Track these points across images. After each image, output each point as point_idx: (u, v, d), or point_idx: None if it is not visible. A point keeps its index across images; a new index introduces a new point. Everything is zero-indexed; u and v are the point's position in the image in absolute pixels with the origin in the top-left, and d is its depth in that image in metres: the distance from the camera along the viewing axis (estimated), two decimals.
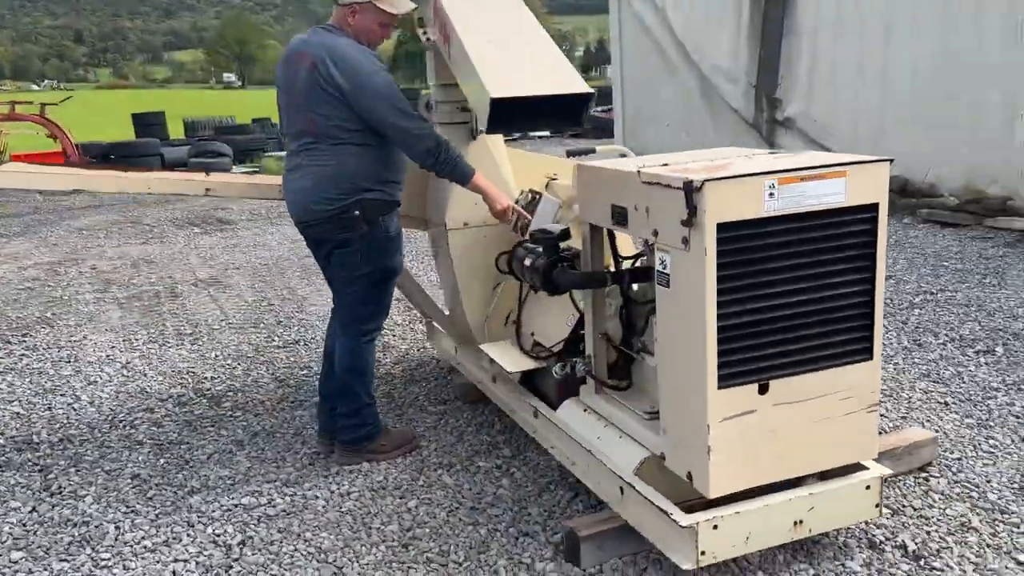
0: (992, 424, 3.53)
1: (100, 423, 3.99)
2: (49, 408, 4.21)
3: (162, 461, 3.55)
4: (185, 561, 2.79)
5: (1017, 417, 3.59)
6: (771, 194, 2.27)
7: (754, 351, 2.36)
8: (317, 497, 3.17)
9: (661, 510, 2.48)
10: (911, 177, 7.74)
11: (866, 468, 2.64)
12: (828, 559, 2.63)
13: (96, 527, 3.02)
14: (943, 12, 7.49)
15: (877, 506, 2.62)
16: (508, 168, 3.60)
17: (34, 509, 3.17)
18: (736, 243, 2.27)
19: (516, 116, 2.74)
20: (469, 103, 3.24)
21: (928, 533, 2.75)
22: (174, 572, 2.74)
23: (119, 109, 32.96)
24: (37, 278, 7.14)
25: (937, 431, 3.45)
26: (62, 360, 4.95)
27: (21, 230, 9.67)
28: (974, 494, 2.99)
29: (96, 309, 6.08)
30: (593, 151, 3.42)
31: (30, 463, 3.58)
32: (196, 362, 4.81)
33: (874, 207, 2.41)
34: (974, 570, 2.56)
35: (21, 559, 2.85)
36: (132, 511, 3.13)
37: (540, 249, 2.97)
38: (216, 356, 4.90)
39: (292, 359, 4.79)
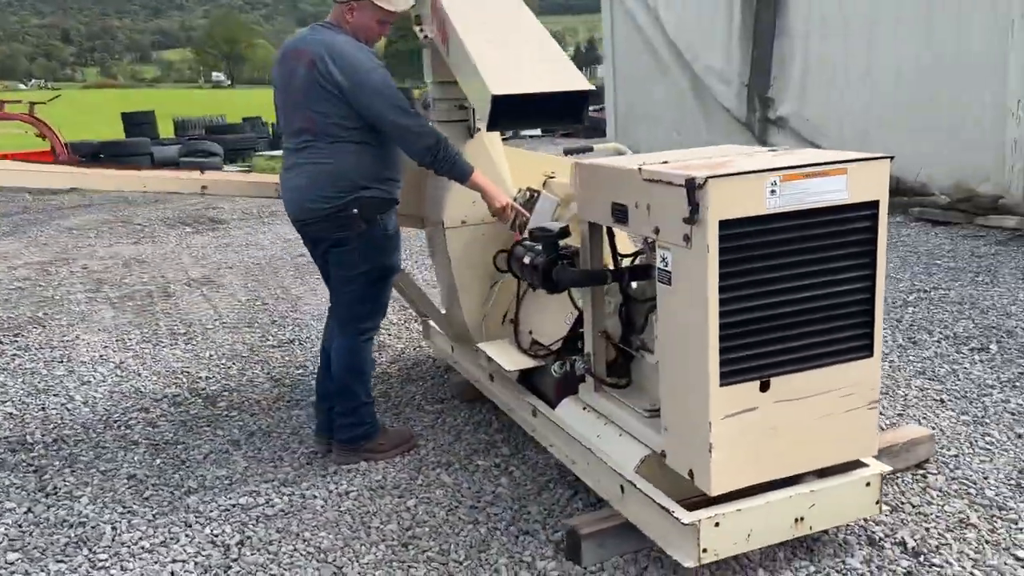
0: (988, 421, 3.55)
1: (95, 423, 3.96)
2: (43, 408, 4.18)
3: (158, 461, 3.53)
4: (183, 562, 2.78)
5: (1012, 414, 3.61)
6: (773, 191, 2.28)
7: (756, 348, 2.36)
8: (315, 497, 3.15)
9: (663, 508, 2.48)
10: (902, 176, 7.77)
11: (866, 465, 2.65)
12: (828, 556, 2.63)
13: (93, 528, 3.00)
14: (934, 13, 7.53)
15: (877, 503, 2.62)
16: (505, 166, 3.59)
17: (29, 510, 3.15)
18: (738, 240, 2.27)
19: (516, 113, 2.73)
20: (469, 100, 3.24)
21: (927, 530, 2.76)
22: (172, 573, 2.73)
23: (107, 108, 32.81)
24: (28, 278, 7.09)
25: (934, 428, 3.46)
26: (55, 360, 4.92)
27: (10, 229, 9.59)
28: (972, 491, 3.00)
29: (88, 309, 6.04)
30: (591, 149, 3.41)
31: (24, 464, 3.55)
32: (190, 362, 4.79)
33: (875, 204, 2.42)
34: (973, 566, 2.57)
35: (17, 560, 2.82)
36: (129, 511, 3.11)
37: (539, 247, 2.96)
38: (210, 356, 4.88)
39: (287, 358, 4.77)
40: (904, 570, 2.56)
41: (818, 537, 2.69)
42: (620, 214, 2.60)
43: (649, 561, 2.63)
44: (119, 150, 14.94)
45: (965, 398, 3.79)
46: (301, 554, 2.79)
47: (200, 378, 4.52)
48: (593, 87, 2.82)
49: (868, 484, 2.60)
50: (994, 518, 2.83)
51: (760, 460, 2.44)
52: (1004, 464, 3.18)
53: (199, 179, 3.61)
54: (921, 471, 3.13)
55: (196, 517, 3.05)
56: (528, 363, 3.31)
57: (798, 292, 2.37)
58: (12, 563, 2.81)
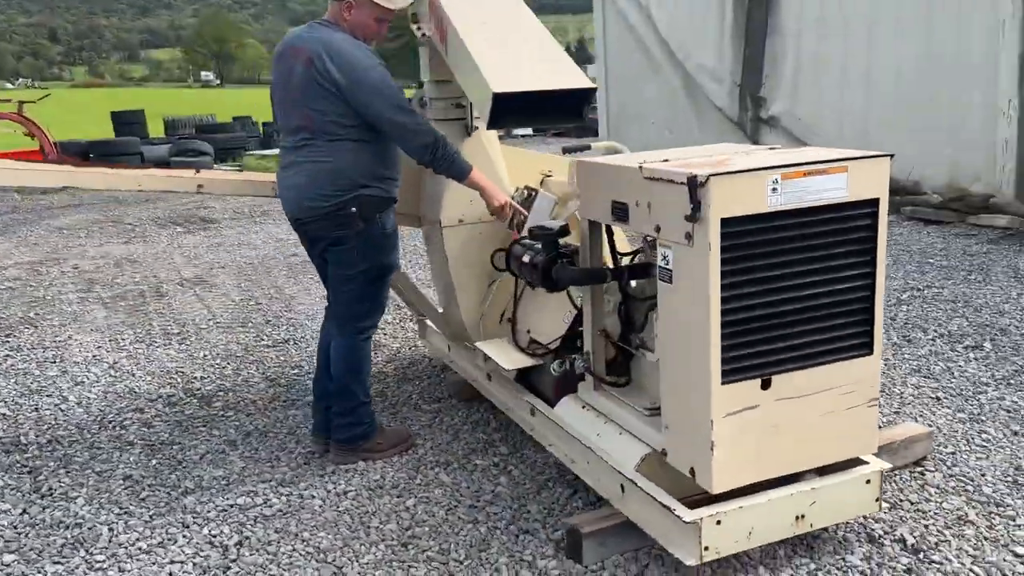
0: (984, 419, 3.56)
1: (89, 424, 3.94)
2: (36, 409, 4.15)
3: (154, 462, 3.51)
4: (182, 562, 2.76)
5: (1008, 411, 3.62)
6: (774, 189, 2.28)
7: (757, 346, 2.37)
8: (314, 497, 3.14)
9: (664, 506, 2.48)
10: (895, 175, 7.75)
11: (865, 463, 2.65)
12: (828, 553, 2.64)
13: (89, 529, 2.98)
14: (926, 12, 7.56)
15: (877, 500, 2.63)
16: (503, 165, 3.58)
17: (25, 511, 3.12)
18: (740, 238, 2.27)
19: (517, 111, 2.72)
20: (469, 98, 3.23)
21: (926, 527, 2.77)
22: (171, 574, 2.71)
23: (96, 108, 32.66)
24: (18, 278, 7.04)
25: (930, 426, 3.47)
26: (47, 361, 4.88)
27: (0, 229, 9.53)
28: (969, 488, 3.01)
29: (80, 309, 6.00)
30: (588, 148, 3.41)
31: (19, 465, 3.53)
32: (185, 362, 4.76)
33: (875, 202, 2.42)
34: (973, 563, 2.58)
35: (13, 562, 2.80)
36: (125, 512, 3.09)
37: (538, 246, 2.95)
38: (205, 356, 4.85)
39: (282, 358, 4.75)
40: (904, 567, 2.56)
41: (818, 535, 2.69)
42: (620, 212, 2.60)
43: (650, 559, 2.63)
44: (108, 149, 14.85)
45: (960, 396, 3.81)
46: (300, 554, 2.78)
47: (195, 378, 4.49)
48: (595, 85, 2.82)
49: (868, 481, 2.60)
50: (992, 515, 2.84)
51: (761, 458, 2.45)
52: (1000, 461, 3.20)
53: (195, 178, 3.59)
54: (919, 468, 3.15)
55: (194, 518, 3.03)
56: (527, 362, 3.30)
57: (799, 290, 2.38)
58: (8, 565, 2.79)
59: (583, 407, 3.04)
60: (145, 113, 19.43)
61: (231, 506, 3.10)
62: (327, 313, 3.51)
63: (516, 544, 2.77)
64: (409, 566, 2.68)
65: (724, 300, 2.28)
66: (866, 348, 2.51)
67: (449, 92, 3.46)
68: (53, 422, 3.98)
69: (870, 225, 2.42)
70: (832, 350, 2.46)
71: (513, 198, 3.36)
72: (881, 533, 2.73)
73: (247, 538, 2.88)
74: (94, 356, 4.92)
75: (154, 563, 2.76)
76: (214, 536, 2.90)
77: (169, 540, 2.89)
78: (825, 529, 2.69)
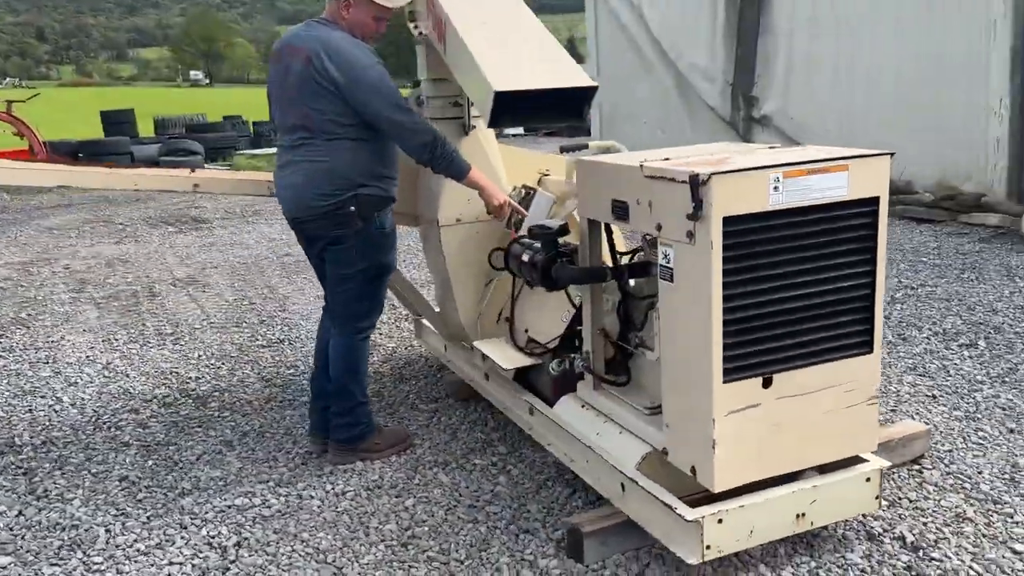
0: (980, 416, 3.58)
1: (84, 425, 3.91)
2: (30, 410, 4.12)
3: (150, 463, 3.49)
4: (180, 564, 2.74)
5: (1003, 409, 3.64)
6: (776, 188, 2.28)
7: (759, 345, 2.37)
8: (312, 497, 3.13)
9: (666, 505, 2.48)
10: None
11: (865, 461, 2.66)
12: (828, 551, 2.64)
13: (86, 530, 2.96)
14: (917, 12, 7.59)
15: (877, 498, 2.64)
16: (501, 164, 3.58)
17: (20, 513, 3.10)
18: (741, 237, 2.27)
19: (517, 110, 2.72)
20: (469, 97, 3.22)
21: (925, 524, 2.78)
22: (169, 575, 2.69)
23: (84, 107, 32.47)
24: (9, 278, 6.99)
25: (927, 424, 3.49)
26: (40, 361, 4.85)
27: None
28: (967, 485, 3.03)
29: (72, 309, 5.96)
30: (586, 147, 3.41)
31: (13, 466, 3.50)
32: (179, 362, 4.74)
33: (875, 200, 2.43)
34: (972, 560, 2.59)
35: (10, 564, 2.78)
36: (122, 514, 3.07)
37: (537, 245, 2.95)
38: (199, 356, 4.83)
39: (277, 358, 4.73)
40: (904, 565, 2.57)
41: (818, 533, 2.70)
42: (621, 211, 2.59)
43: (651, 558, 2.63)
44: (98, 149, 14.77)
45: (956, 394, 3.82)
46: (300, 555, 2.76)
47: (190, 378, 4.47)
48: (596, 84, 2.81)
49: (868, 480, 2.61)
50: (990, 512, 2.85)
51: (762, 456, 2.45)
52: (997, 459, 3.21)
53: (191, 177, 3.57)
54: (917, 466, 3.16)
55: (191, 519, 3.01)
56: (525, 361, 3.30)
57: (800, 288, 2.38)
58: (5, 567, 2.76)
59: (582, 406, 3.04)
60: (135, 112, 19.33)
61: (229, 507, 3.08)
62: (324, 313, 3.50)
63: (517, 544, 2.77)
64: (409, 566, 2.67)
65: (726, 298, 2.29)
66: (866, 346, 2.51)
67: (446, 90, 3.45)
68: (47, 423, 3.95)
69: (870, 224, 2.43)
70: (833, 348, 2.46)
71: (511, 197, 3.36)
72: (880, 531, 2.74)
73: (246, 539, 2.87)
74: (87, 357, 4.89)
75: (152, 565, 2.74)
76: (212, 537, 2.89)
77: (167, 541, 2.87)
78: (825, 527, 2.69)
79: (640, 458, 2.68)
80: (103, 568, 2.74)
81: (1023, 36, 6.75)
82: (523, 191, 3.47)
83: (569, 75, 2.80)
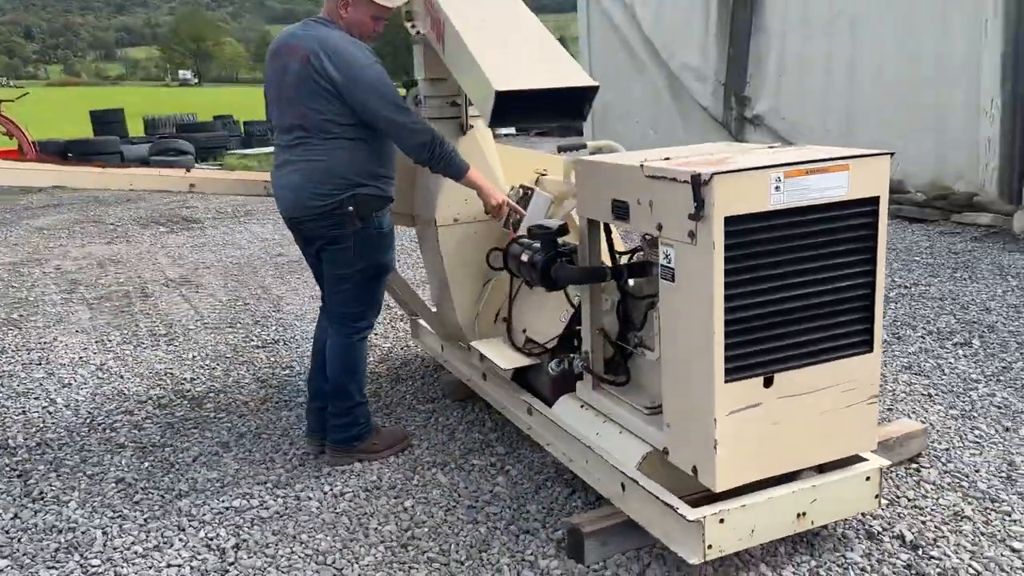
0: (976, 415, 3.59)
1: (78, 426, 3.88)
2: (23, 412, 4.09)
3: (146, 464, 3.47)
4: (179, 566, 2.73)
5: (998, 408, 3.66)
6: (777, 187, 2.28)
7: (760, 344, 2.37)
8: (310, 498, 3.11)
9: (667, 505, 2.48)
10: None
11: (864, 460, 2.66)
12: (829, 550, 2.65)
13: (83, 533, 2.94)
14: (909, 12, 7.62)
15: (876, 497, 2.64)
16: (498, 163, 3.57)
17: (16, 516, 3.08)
18: (743, 236, 2.27)
19: (518, 109, 2.71)
20: (469, 96, 3.21)
21: (923, 523, 2.79)
22: None
23: (72, 106, 32.29)
24: (0, 279, 6.94)
25: (924, 422, 3.50)
26: (33, 363, 4.81)
27: None
28: (964, 483, 3.04)
29: (65, 310, 5.92)
30: (584, 147, 3.41)
31: (8, 468, 3.47)
32: (173, 363, 4.71)
33: (875, 200, 2.43)
34: (971, 558, 2.60)
35: (7, 567, 2.76)
36: (119, 516, 3.05)
37: (537, 245, 2.94)
38: (194, 357, 4.80)
39: (272, 359, 4.72)
40: (904, 563, 2.58)
41: (817, 532, 2.70)
42: (621, 211, 2.59)
43: (652, 558, 2.63)
44: (88, 148, 14.67)
45: (952, 392, 3.84)
46: (299, 557, 2.75)
47: (184, 379, 4.45)
48: (597, 83, 2.81)
49: (868, 479, 2.61)
50: (988, 510, 2.86)
51: (763, 456, 2.45)
52: (994, 457, 3.23)
53: (186, 177, 3.55)
54: (914, 465, 3.17)
55: (189, 520, 2.99)
56: (524, 361, 3.29)
57: (801, 288, 2.38)
58: (2, 570, 2.74)
59: (582, 406, 3.04)
60: (124, 112, 19.23)
61: (227, 508, 3.07)
62: (321, 313, 3.49)
63: (517, 544, 2.76)
64: (410, 567, 2.66)
65: (727, 298, 2.28)
66: (866, 346, 2.52)
67: (444, 90, 3.45)
68: (41, 425, 3.92)
69: (871, 223, 2.43)
70: (833, 348, 2.47)
71: (509, 197, 3.35)
72: (880, 529, 2.75)
73: (244, 541, 2.85)
74: (80, 358, 4.86)
75: (151, 567, 2.73)
76: (211, 539, 2.87)
77: (165, 543, 2.86)
78: (824, 526, 2.70)
79: (640, 458, 2.68)
80: (101, 571, 2.72)
81: (1014, 37, 6.79)
82: (521, 191, 3.47)
83: (570, 75, 2.80)
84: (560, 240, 2.94)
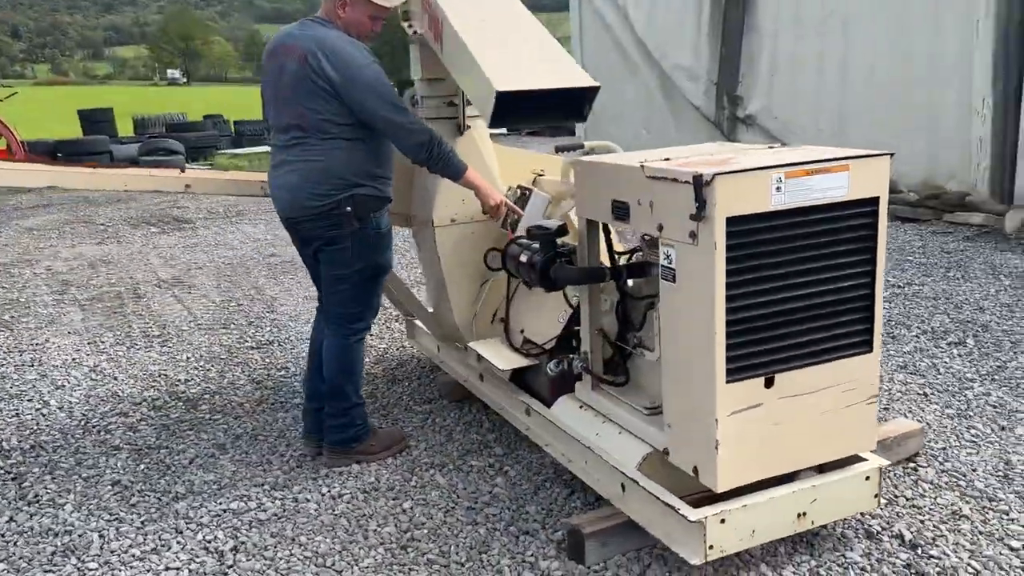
0: (972, 414, 3.61)
1: (73, 428, 3.86)
2: (16, 414, 4.06)
3: (142, 467, 3.44)
4: (177, 569, 2.71)
5: (994, 407, 3.67)
6: (778, 188, 2.28)
7: (761, 345, 2.37)
8: (308, 500, 3.10)
9: (668, 505, 2.47)
10: None
11: (863, 459, 2.67)
12: (828, 550, 2.65)
13: (80, 536, 2.92)
14: (901, 12, 7.65)
15: (876, 496, 2.65)
16: (495, 164, 3.56)
17: (11, 519, 3.05)
18: (744, 237, 2.27)
19: (519, 110, 2.70)
20: (469, 97, 3.20)
21: (922, 522, 2.80)
22: None
23: (60, 106, 32.06)
24: None
25: (920, 422, 3.51)
26: (25, 364, 4.78)
27: None
28: (962, 483, 3.05)
29: (56, 311, 5.88)
30: (581, 147, 3.40)
31: (2, 471, 3.44)
32: (167, 364, 4.69)
33: (875, 200, 2.44)
34: (970, 557, 2.61)
35: (3, 571, 2.74)
36: (116, 519, 3.03)
37: (536, 245, 2.94)
38: (188, 358, 4.78)
39: (268, 360, 4.69)
40: (903, 563, 2.59)
41: (817, 532, 2.71)
42: (621, 211, 2.59)
43: (652, 559, 2.63)
44: (77, 148, 14.59)
45: (947, 391, 3.85)
46: (298, 559, 2.74)
47: (179, 381, 4.42)
48: (599, 84, 2.81)
49: (867, 478, 2.62)
50: (985, 509, 2.87)
51: (764, 456, 2.45)
52: (991, 456, 3.24)
53: (182, 177, 3.53)
54: (912, 464, 3.18)
55: (187, 523, 2.97)
56: (522, 362, 3.29)
57: (802, 288, 2.39)
58: None
59: (581, 407, 3.03)
60: (114, 111, 19.13)
61: (224, 511, 3.05)
62: (318, 313, 3.47)
63: (517, 545, 2.75)
64: (410, 569, 2.65)
65: (728, 299, 2.28)
66: (866, 346, 2.52)
67: (441, 90, 3.44)
68: (35, 427, 3.89)
69: (871, 223, 2.44)
70: (834, 348, 2.47)
71: (507, 197, 3.34)
72: (879, 529, 2.75)
73: (243, 543, 2.84)
74: (73, 359, 4.83)
75: (148, 570, 2.71)
76: (209, 542, 2.86)
77: (163, 546, 2.84)
78: (824, 526, 2.70)
79: (641, 459, 2.68)
80: (99, 574, 2.70)
81: (1005, 37, 6.82)
82: (518, 191, 3.46)
83: (570, 75, 2.80)
84: (559, 240, 2.94)
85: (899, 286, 5.55)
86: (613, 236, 3.00)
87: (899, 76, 7.70)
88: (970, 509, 2.87)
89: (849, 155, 2.38)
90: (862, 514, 2.79)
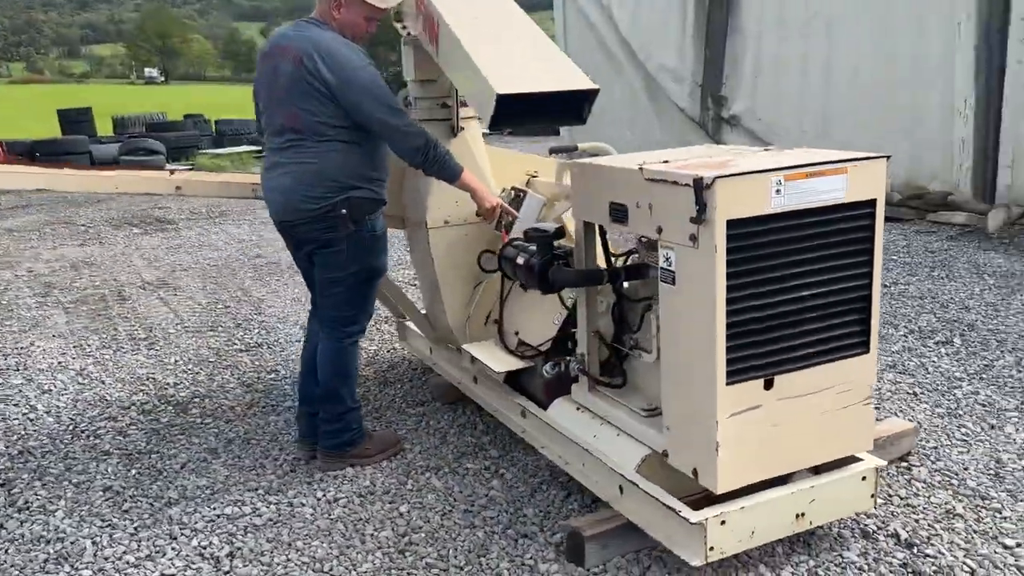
0: (962, 413, 3.64)
1: (61, 434, 3.81)
2: (3, 419, 4.00)
3: (133, 472, 3.41)
4: (173, 575, 2.68)
5: (983, 406, 3.71)
6: (778, 191, 2.29)
7: (761, 347, 2.38)
8: (304, 505, 3.08)
9: (668, 507, 2.48)
10: None
11: (859, 459, 2.69)
12: (826, 550, 2.67)
13: (72, 543, 2.88)
14: (884, 14, 7.71)
15: (872, 496, 2.67)
16: (488, 165, 3.56)
17: (2, 526, 3.01)
18: (743, 240, 2.28)
19: (517, 112, 2.69)
20: (466, 99, 3.19)
21: (917, 521, 2.82)
22: None
23: (36, 105, 31.73)
24: None
25: (911, 421, 3.54)
26: (10, 369, 4.72)
27: None
28: (954, 482, 3.08)
29: (40, 314, 5.81)
30: (575, 148, 3.41)
31: None
32: (155, 368, 4.64)
33: (872, 203, 2.46)
34: (965, 555, 2.63)
35: None
36: (109, 525, 2.99)
37: (532, 248, 2.93)
38: (176, 361, 4.73)
39: (257, 363, 4.66)
40: (900, 562, 2.61)
41: (814, 532, 2.72)
42: (619, 214, 2.59)
43: (652, 560, 2.63)
44: (56, 148, 14.41)
45: (937, 391, 3.89)
46: (296, 564, 2.72)
47: (168, 384, 4.38)
48: (597, 87, 2.81)
49: (864, 478, 2.64)
50: (979, 508, 2.90)
51: (763, 458, 2.46)
52: (982, 455, 3.27)
53: (173, 179, 3.49)
54: (905, 463, 3.20)
55: (181, 529, 2.95)
56: (517, 364, 3.28)
57: (801, 290, 2.40)
58: None
59: (577, 409, 3.03)
60: (93, 111, 18.93)
61: (219, 516, 3.02)
62: (311, 317, 3.45)
63: (516, 548, 2.75)
64: (409, 573, 2.64)
65: (728, 301, 2.29)
66: (863, 346, 2.54)
67: (434, 91, 3.43)
68: (23, 432, 3.84)
69: (868, 225, 2.46)
70: (832, 349, 2.49)
71: (501, 199, 3.34)
72: (874, 528, 2.77)
73: (239, 549, 2.81)
74: (59, 363, 4.77)
75: None
76: (204, 547, 2.83)
77: (157, 552, 2.81)
78: (820, 526, 2.72)
79: (639, 460, 2.68)
80: None
81: (987, 37, 6.90)
82: (512, 193, 3.46)
83: (571, 77, 2.79)
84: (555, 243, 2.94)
85: (885, 285, 5.59)
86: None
87: (882, 77, 7.76)
88: (963, 508, 2.90)
89: (847, 158, 2.40)
90: (858, 514, 2.81)
